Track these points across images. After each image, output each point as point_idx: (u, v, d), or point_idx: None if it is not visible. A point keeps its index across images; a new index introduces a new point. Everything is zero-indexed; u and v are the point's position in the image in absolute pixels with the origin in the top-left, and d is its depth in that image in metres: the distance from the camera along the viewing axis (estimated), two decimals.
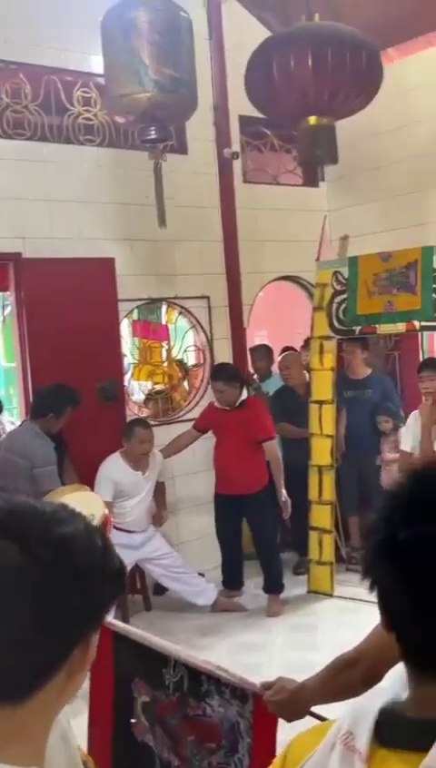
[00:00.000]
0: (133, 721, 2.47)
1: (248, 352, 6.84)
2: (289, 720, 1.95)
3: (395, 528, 0.94)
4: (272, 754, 2.02)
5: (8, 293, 5.79)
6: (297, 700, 1.90)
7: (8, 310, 6.73)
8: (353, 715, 1.00)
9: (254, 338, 7.60)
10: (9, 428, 5.91)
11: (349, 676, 1.81)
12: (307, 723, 1.84)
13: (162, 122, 4.88)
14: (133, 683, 2.48)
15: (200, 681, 2.24)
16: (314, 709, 1.92)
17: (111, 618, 2.66)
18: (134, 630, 2.54)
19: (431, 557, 0.92)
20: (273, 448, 5.65)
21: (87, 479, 5.17)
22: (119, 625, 2.57)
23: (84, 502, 3.91)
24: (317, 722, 1.77)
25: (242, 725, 2.15)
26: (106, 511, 3.97)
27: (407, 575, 0.93)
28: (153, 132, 4.92)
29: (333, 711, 1.74)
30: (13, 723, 0.90)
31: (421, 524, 0.93)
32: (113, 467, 5.31)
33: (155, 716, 2.40)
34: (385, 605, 0.98)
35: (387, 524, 0.96)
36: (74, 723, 1.24)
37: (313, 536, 5.91)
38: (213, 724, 2.21)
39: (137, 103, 4.75)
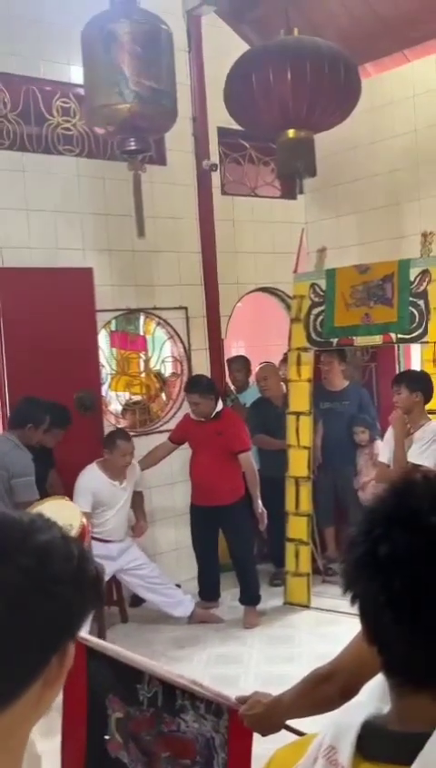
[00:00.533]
0: (106, 737, 2.45)
1: (226, 363, 6.84)
2: (264, 734, 1.95)
3: (375, 542, 0.95)
4: (248, 765, 2.06)
5: None
6: (272, 714, 1.90)
7: None
8: (335, 729, 1.00)
9: (232, 349, 7.62)
10: None
11: (325, 690, 1.82)
12: (282, 736, 1.87)
13: (141, 133, 4.88)
14: (107, 699, 2.45)
15: (174, 696, 2.22)
16: (290, 722, 1.93)
17: (85, 633, 2.63)
18: (109, 645, 2.52)
19: (411, 570, 0.92)
20: (249, 460, 5.65)
21: (65, 488, 5.19)
22: (93, 640, 2.54)
23: (61, 512, 3.88)
24: (292, 736, 1.82)
25: (216, 740, 2.13)
26: (84, 521, 3.94)
27: (389, 588, 0.93)
28: (132, 143, 4.92)
29: (307, 725, 1.78)
30: None
31: (400, 536, 0.94)
32: (91, 478, 5.29)
33: (129, 733, 2.37)
34: (367, 619, 0.98)
35: (366, 537, 0.96)
36: (50, 741, 1.23)
37: (290, 547, 5.91)
38: (187, 740, 2.19)
39: (117, 113, 4.75)
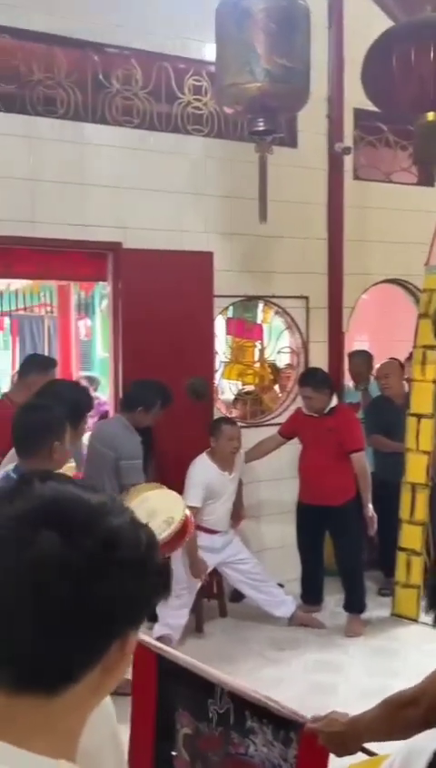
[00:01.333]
0: (174, 753, 2.36)
1: (346, 356, 6.56)
2: (340, 755, 1.91)
3: None
4: None
5: (106, 283, 5.72)
6: (350, 734, 1.86)
7: (105, 301, 6.72)
8: (407, 752, 0.98)
9: (354, 343, 7.32)
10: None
11: (408, 714, 1.72)
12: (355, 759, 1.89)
13: (271, 113, 4.69)
14: (176, 713, 2.34)
15: (245, 716, 2.12)
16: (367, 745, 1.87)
17: (157, 642, 2.52)
18: (182, 656, 2.39)
19: None
20: (362, 461, 5.39)
21: (170, 475, 5.07)
22: (166, 650, 2.43)
23: (166, 501, 3.79)
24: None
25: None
26: (188, 513, 3.82)
27: None
28: (261, 124, 4.73)
29: (385, 748, 1.67)
30: (46, 714, 0.89)
31: None
32: (204, 471, 5.18)
33: (198, 751, 2.30)
34: None
35: None
36: None
37: (401, 556, 5.62)
38: (254, 764, 2.13)
39: (246, 92, 4.58)
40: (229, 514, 5.37)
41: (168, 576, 1.21)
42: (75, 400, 3.38)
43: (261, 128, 4.74)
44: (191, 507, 4.85)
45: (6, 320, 8.71)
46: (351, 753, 1.88)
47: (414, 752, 0.99)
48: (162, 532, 3.37)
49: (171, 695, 2.37)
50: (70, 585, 0.86)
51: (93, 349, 9.20)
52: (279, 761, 2.06)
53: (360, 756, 1.93)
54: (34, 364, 4.90)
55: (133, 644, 0.95)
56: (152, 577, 0.94)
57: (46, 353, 7.67)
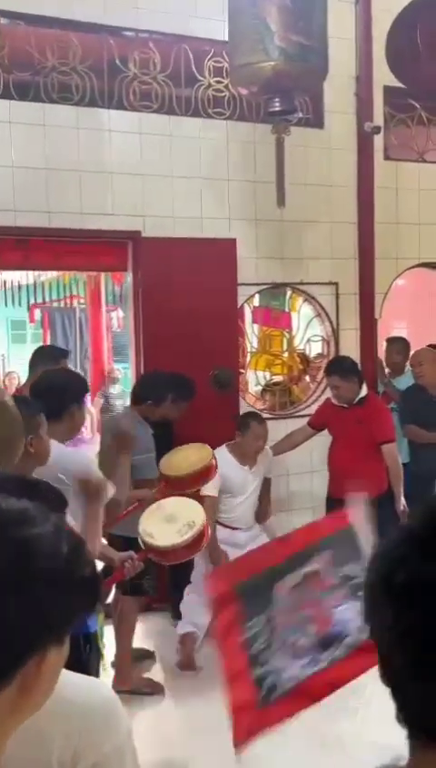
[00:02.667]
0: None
1: (379, 346, 6.31)
2: None
3: (391, 567, 0.83)
4: (342, 684, 2.26)
5: (127, 273, 5.61)
6: None
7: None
8: None
9: (393, 330, 7.07)
10: None
11: None
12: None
13: (287, 93, 4.50)
14: (324, 552, 2.55)
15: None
16: None
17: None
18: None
19: (428, 604, 0.79)
20: (393, 452, 5.18)
21: None
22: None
23: (184, 506, 3.67)
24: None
25: (347, 640, 2.28)
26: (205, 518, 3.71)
27: (402, 622, 0.81)
28: (277, 104, 4.58)
29: None
30: None
31: (420, 563, 0.81)
32: (220, 461, 5.04)
33: (309, 588, 2.48)
34: (381, 655, 0.85)
35: (385, 561, 0.85)
36: None
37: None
38: (329, 619, 2.36)
39: (260, 72, 4.43)
40: (251, 511, 5.21)
41: (96, 588, 1.10)
42: (65, 387, 3.29)
43: (277, 109, 4.58)
44: (207, 497, 4.77)
45: (38, 313, 8.69)
46: None
47: None
48: (183, 534, 3.28)
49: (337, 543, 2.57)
50: None
51: (127, 341, 9.10)
52: (352, 631, 2.28)
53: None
54: (43, 356, 4.82)
55: (55, 661, 0.89)
56: (75, 590, 0.89)
57: (78, 345, 7.63)
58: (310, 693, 2.34)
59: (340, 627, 2.33)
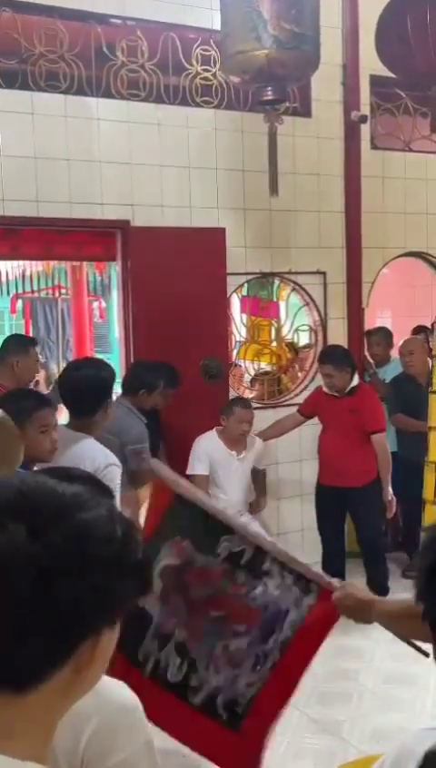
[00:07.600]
0: None
1: (365, 335, 6.36)
2: (356, 620, 2.08)
3: None
4: (312, 655, 2.13)
5: (113, 263, 5.58)
6: (368, 602, 2.04)
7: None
8: (398, 753, 0.98)
9: (376, 319, 7.11)
10: None
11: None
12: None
13: (279, 81, 4.49)
14: (168, 541, 2.28)
15: (263, 560, 2.17)
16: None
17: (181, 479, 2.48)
18: (206, 500, 2.39)
19: None
20: (382, 442, 5.23)
21: (184, 456, 5.00)
22: (188, 487, 2.40)
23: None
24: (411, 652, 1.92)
25: (290, 617, 2.11)
26: None
27: None
28: (269, 92, 4.56)
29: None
30: (13, 714, 0.86)
31: None
32: (208, 443, 5.09)
33: (181, 582, 2.26)
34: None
35: None
36: None
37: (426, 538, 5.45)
38: (252, 608, 2.17)
39: (253, 60, 4.41)
40: (241, 498, 5.21)
41: (148, 572, 1.15)
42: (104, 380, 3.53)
43: (269, 97, 4.57)
44: (197, 476, 4.83)
45: (19, 303, 8.61)
46: (365, 621, 2.03)
47: (404, 754, 0.97)
48: None
49: (174, 525, 2.31)
50: (36, 581, 0.83)
51: (110, 331, 9.09)
52: (289, 606, 2.11)
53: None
54: (12, 344, 4.78)
55: (108, 643, 0.91)
56: (128, 574, 0.90)
57: (60, 336, 7.57)
58: (284, 682, 2.17)
59: (273, 609, 2.12)
